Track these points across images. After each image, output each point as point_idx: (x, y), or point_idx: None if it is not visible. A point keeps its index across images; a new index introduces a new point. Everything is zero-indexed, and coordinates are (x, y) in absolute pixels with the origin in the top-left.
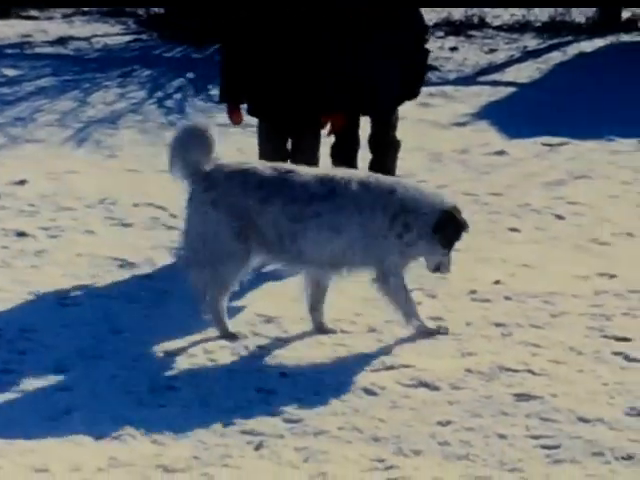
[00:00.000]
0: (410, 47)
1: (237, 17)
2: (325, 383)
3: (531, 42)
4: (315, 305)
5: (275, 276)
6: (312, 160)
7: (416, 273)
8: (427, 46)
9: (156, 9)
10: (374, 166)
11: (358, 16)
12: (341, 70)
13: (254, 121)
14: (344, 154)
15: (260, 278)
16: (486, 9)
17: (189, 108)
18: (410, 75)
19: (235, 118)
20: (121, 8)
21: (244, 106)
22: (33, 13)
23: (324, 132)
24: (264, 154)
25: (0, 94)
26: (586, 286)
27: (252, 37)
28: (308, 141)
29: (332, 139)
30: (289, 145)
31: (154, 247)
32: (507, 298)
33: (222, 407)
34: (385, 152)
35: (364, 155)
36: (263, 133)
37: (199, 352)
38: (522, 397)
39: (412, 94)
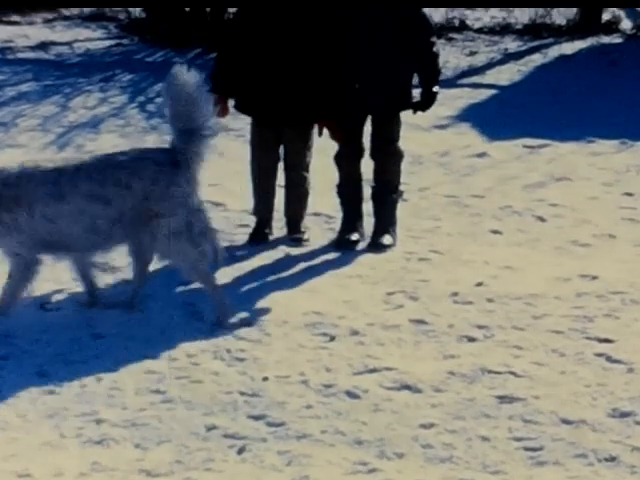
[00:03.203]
0: (414, 53)
1: (236, 15)
2: (308, 386)
3: (512, 44)
4: None
5: (255, 279)
6: (301, 162)
7: (398, 276)
8: (435, 49)
9: (137, 14)
10: (377, 174)
11: (358, 23)
12: (341, 78)
13: (236, 125)
14: (348, 161)
15: (240, 281)
16: (467, 11)
17: None
18: (421, 81)
19: (222, 111)
20: (102, 13)
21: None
22: (14, 18)
23: (323, 134)
24: (255, 154)
25: None
26: (568, 288)
27: (249, 34)
28: (296, 143)
29: (336, 146)
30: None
31: None
32: (489, 300)
33: (205, 411)
34: (386, 161)
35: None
36: (255, 133)
37: (181, 356)
38: (504, 399)
39: (425, 102)
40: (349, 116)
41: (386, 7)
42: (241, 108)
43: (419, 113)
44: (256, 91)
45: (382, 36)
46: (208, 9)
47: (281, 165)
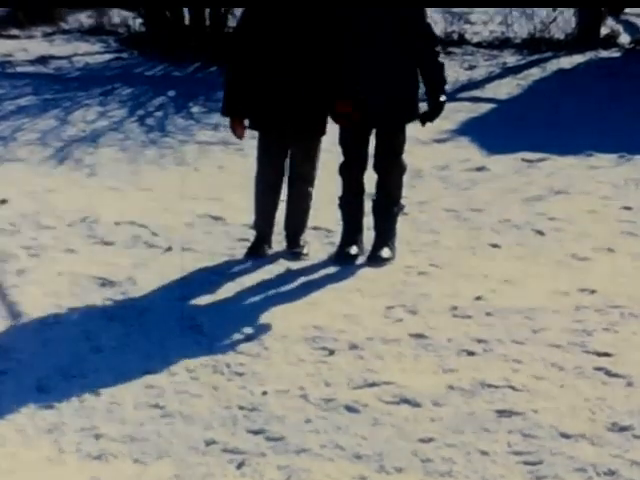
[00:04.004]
0: (420, 63)
1: (242, 33)
2: (307, 400)
3: (510, 58)
4: None
5: (254, 293)
6: (306, 176)
7: (397, 290)
8: (440, 59)
9: (137, 28)
10: (379, 187)
11: (359, 29)
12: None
13: (236, 139)
14: (351, 173)
15: (240, 295)
16: (466, 25)
17: (170, 126)
18: (427, 91)
19: (238, 132)
20: (101, 27)
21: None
22: (14, 32)
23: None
24: (262, 168)
25: None
26: (567, 301)
27: (256, 52)
28: (303, 157)
29: (341, 158)
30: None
31: (135, 265)
32: (488, 314)
33: (204, 425)
34: (388, 174)
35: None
36: (262, 147)
37: (181, 370)
38: (504, 413)
39: (433, 112)
40: (359, 125)
41: (387, 8)
42: (256, 126)
43: (428, 124)
44: (265, 103)
45: (386, 46)
46: (207, 23)
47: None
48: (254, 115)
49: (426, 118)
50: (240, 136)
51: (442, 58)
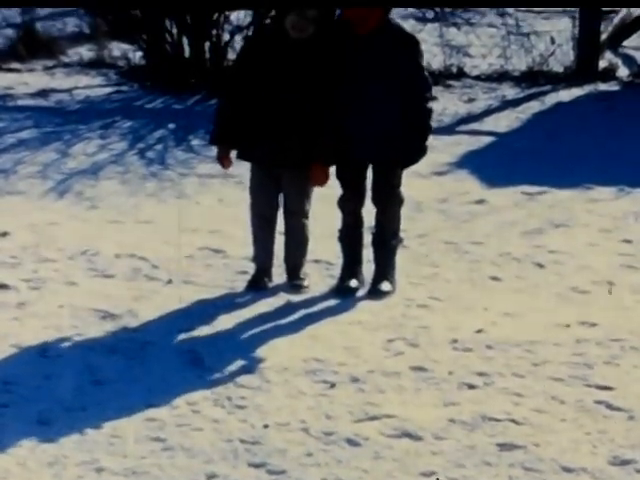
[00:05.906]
0: (409, 108)
1: (238, 67)
2: (308, 434)
3: (509, 91)
4: None
5: (255, 325)
6: (301, 208)
7: (398, 323)
8: (429, 105)
9: (137, 61)
10: (378, 220)
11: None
12: (337, 124)
13: (236, 171)
14: (349, 206)
15: (240, 328)
16: (465, 59)
17: (170, 159)
18: (410, 136)
19: (225, 163)
20: (102, 60)
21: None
22: (15, 66)
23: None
24: (255, 201)
25: None
26: (567, 335)
27: (250, 85)
28: (296, 189)
29: (339, 191)
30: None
31: (136, 298)
32: (489, 347)
33: (205, 459)
34: (386, 207)
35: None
36: (254, 180)
37: (182, 403)
38: (505, 447)
39: (413, 155)
40: (349, 162)
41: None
42: (243, 156)
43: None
44: (256, 134)
45: (380, 93)
46: (208, 56)
47: (280, 212)
48: (244, 145)
49: (407, 161)
50: (227, 167)
51: (431, 105)
